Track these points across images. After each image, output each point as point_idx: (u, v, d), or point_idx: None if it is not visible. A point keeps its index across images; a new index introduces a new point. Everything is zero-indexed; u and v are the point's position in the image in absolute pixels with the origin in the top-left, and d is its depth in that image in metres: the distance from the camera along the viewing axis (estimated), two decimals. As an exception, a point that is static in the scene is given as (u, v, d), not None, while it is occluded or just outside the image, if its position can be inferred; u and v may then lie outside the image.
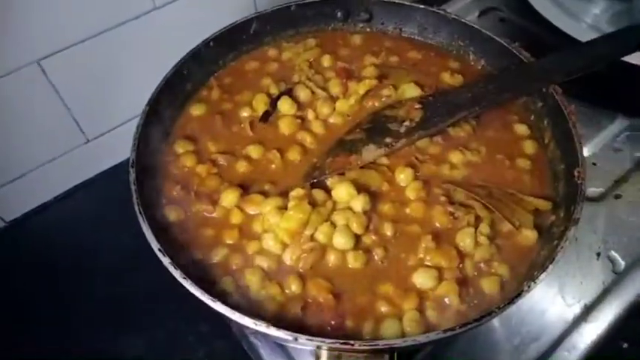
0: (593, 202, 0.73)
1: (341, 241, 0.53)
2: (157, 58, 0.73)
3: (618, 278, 0.67)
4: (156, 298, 0.73)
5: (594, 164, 0.77)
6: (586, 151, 0.59)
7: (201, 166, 0.60)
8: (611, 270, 0.68)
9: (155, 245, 0.47)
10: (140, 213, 0.49)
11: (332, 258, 0.53)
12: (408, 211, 0.57)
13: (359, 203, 0.55)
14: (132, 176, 0.52)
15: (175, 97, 0.65)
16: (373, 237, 0.54)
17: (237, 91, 0.68)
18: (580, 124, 0.58)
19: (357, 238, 0.54)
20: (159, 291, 0.70)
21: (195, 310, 0.68)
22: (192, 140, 0.63)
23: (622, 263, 0.68)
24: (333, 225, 0.54)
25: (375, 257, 0.53)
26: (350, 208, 0.56)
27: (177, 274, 0.45)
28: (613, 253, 0.69)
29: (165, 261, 0.46)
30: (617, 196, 0.74)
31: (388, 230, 0.55)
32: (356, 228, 0.54)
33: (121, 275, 0.75)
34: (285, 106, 0.65)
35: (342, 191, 0.56)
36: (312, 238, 0.54)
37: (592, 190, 0.73)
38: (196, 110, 0.66)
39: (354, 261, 0.53)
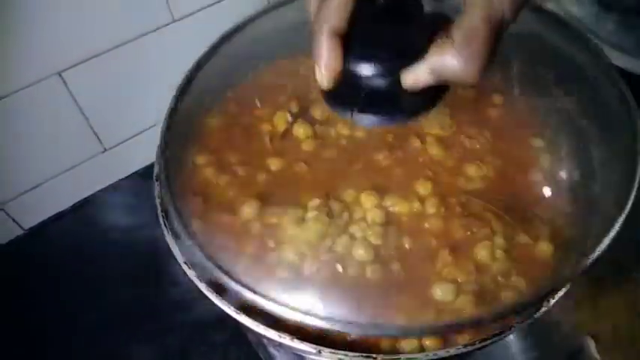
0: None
1: (361, 252, 0.54)
2: (175, 69, 0.74)
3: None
4: (169, 306, 0.74)
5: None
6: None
7: (221, 177, 0.61)
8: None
9: (180, 259, 0.47)
10: (165, 226, 0.49)
11: (350, 269, 0.53)
12: (425, 223, 0.57)
13: (377, 214, 0.56)
14: (156, 189, 0.52)
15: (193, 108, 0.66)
16: (390, 249, 0.55)
17: (255, 105, 0.68)
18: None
19: (376, 249, 0.54)
20: (172, 299, 0.71)
21: (208, 318, 0.69)
22: (211, 151, 0.64)
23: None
24: (352, 236, 0.55)
25: (393, 269, 0.54)
26: (367, 220, 0.56)
27: (202, 286, 0.45)
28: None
29: (191, 274, 0.46)
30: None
31: (405, 243, 0.55)
32: (374, 240, 0.54)
33: (134, 283, 0.76)
34: (299, 130, 0.64)
35: (366, 202, 0.57)
36: (330, 249, 0.54)
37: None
38: (215, 121, 0.67)
39: (371, 273, 0.53)
